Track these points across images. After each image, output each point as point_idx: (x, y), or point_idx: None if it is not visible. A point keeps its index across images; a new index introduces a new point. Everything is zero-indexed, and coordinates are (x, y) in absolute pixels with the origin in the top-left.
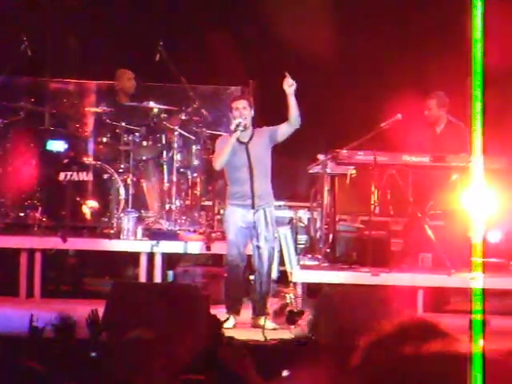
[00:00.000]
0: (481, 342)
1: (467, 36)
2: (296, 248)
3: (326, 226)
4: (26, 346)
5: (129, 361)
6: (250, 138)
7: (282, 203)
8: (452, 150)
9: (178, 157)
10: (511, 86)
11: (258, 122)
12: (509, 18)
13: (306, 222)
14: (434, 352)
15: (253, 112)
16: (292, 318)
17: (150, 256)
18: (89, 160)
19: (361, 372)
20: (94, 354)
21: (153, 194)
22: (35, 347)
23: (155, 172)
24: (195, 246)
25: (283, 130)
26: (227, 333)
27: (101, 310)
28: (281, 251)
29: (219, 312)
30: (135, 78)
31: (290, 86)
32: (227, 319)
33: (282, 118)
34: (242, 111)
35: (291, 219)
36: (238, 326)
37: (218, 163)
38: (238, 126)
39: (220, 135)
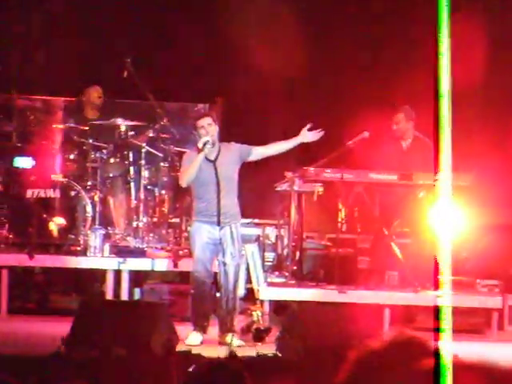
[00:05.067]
0: (448, 360)
1: (433, 51)
2: (263, 265)
3: (294, 244)
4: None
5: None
6: (217, 155)
7: (249, 220)
8: (418, 167)
9: (145, 174)
10: (477, 102)
11: (226, 138)
12: (475, 34)
13: (273, 240)
14: (426, 371)
15: (217, 127)
16: (259, 335)
17: (117, 273)
18: (56, 177)
19: None
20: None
21: (119, 210)
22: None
23: (122, 189)
24: (162, 264)
25: (261, 152)
26: (194, 350)
27: (68, 327)
28: (248, 268)
29: (186, 329)
30: (103, 94)
31: (317, 138)
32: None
33: (250, 133)
34: (208, 128)
35: (258, 236)
36: (205, 343)
37: (185, 180)
38: (205, 144)
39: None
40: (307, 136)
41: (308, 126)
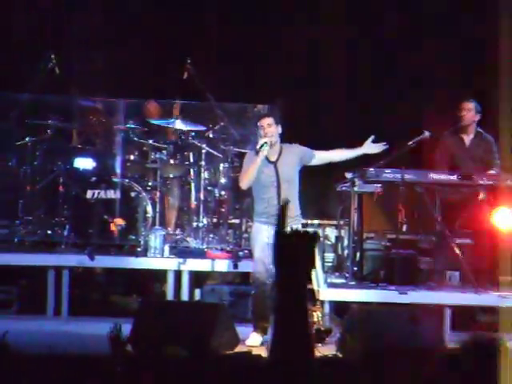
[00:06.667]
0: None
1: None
2: (323, 266)
3: (354, 244)
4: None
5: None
6: (279, 156)
7: (309, 221)
8: (480, 163)
9: (205, 175)
10: None
11: (286, 139)
12: None
13: (333, 240)
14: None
15: (280, 129)
16: (319, 336)
17: (178, 274)
18: (116, 178)
19: None
20: (119, 369)
21: (173, 211)
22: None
23: (180, 190)
24: (222, 264)
25: (323, 158)
26: (254, 351)
27: (128, 328)
28: None
29: (246, 330)
30: (159, 106)
31: (380, 150)
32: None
33: (308, 135)
34: (267, 129)
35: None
36: (265, 344)
37: (245, 183)
38: (262, 146)
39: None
40: (370, 148)
41: (371, 137)
